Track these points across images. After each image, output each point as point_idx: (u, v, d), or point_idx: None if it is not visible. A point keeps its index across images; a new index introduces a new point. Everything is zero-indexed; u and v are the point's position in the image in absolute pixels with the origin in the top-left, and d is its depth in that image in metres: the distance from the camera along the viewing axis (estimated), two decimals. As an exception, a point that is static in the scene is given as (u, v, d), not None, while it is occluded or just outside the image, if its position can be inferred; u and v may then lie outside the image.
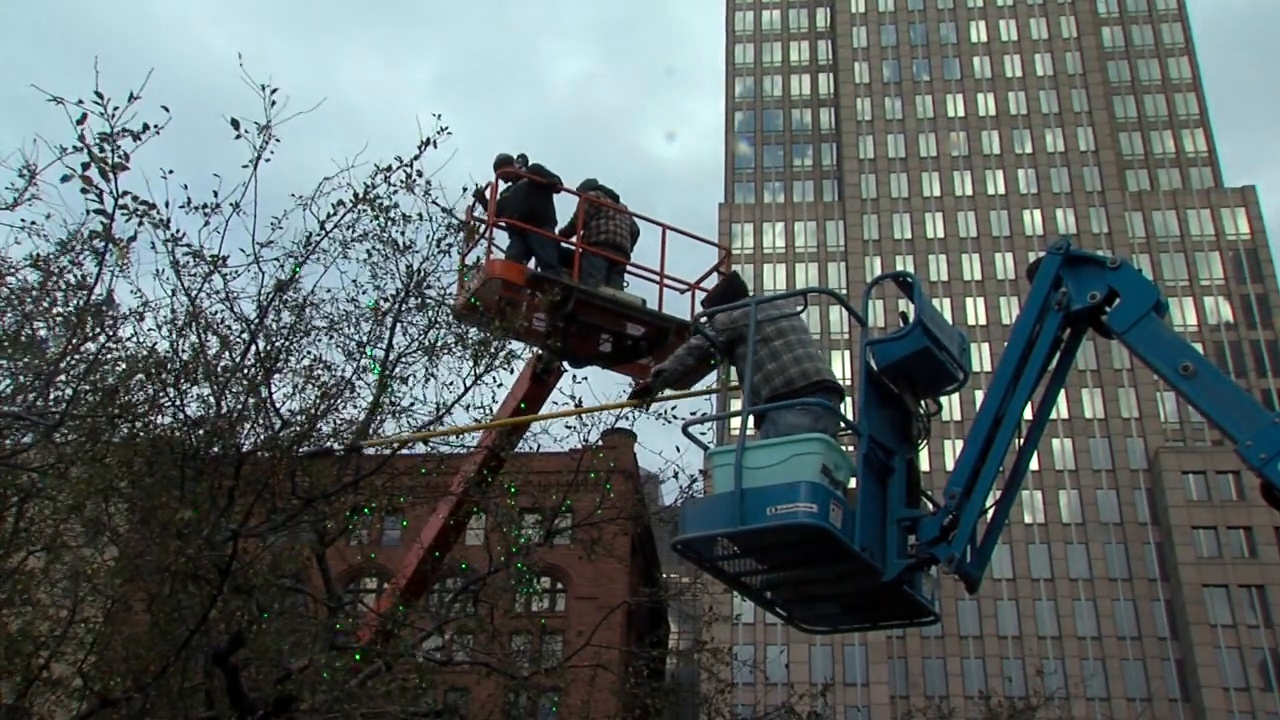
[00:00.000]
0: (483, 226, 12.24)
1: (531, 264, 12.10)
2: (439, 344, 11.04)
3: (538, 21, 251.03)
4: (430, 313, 11.21)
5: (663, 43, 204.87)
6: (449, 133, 10.24)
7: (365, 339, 10.99)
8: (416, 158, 10.30)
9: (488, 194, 12.31)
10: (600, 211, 12.49)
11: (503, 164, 12.63)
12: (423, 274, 11.10)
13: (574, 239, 12.14)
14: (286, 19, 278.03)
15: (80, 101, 6.99)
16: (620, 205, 12.75)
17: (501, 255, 12.11)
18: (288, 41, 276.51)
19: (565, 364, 12.41)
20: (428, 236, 11.12)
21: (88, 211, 7.93)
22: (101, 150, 7.15)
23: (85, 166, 7.18)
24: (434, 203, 11.16)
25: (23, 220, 9.07)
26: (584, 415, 12.26)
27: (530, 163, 12.69)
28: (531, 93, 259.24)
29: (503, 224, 12.14)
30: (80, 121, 7.00)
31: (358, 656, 11.12)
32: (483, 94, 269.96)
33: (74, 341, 9.13)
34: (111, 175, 7.25)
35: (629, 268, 12.53)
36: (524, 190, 12.41)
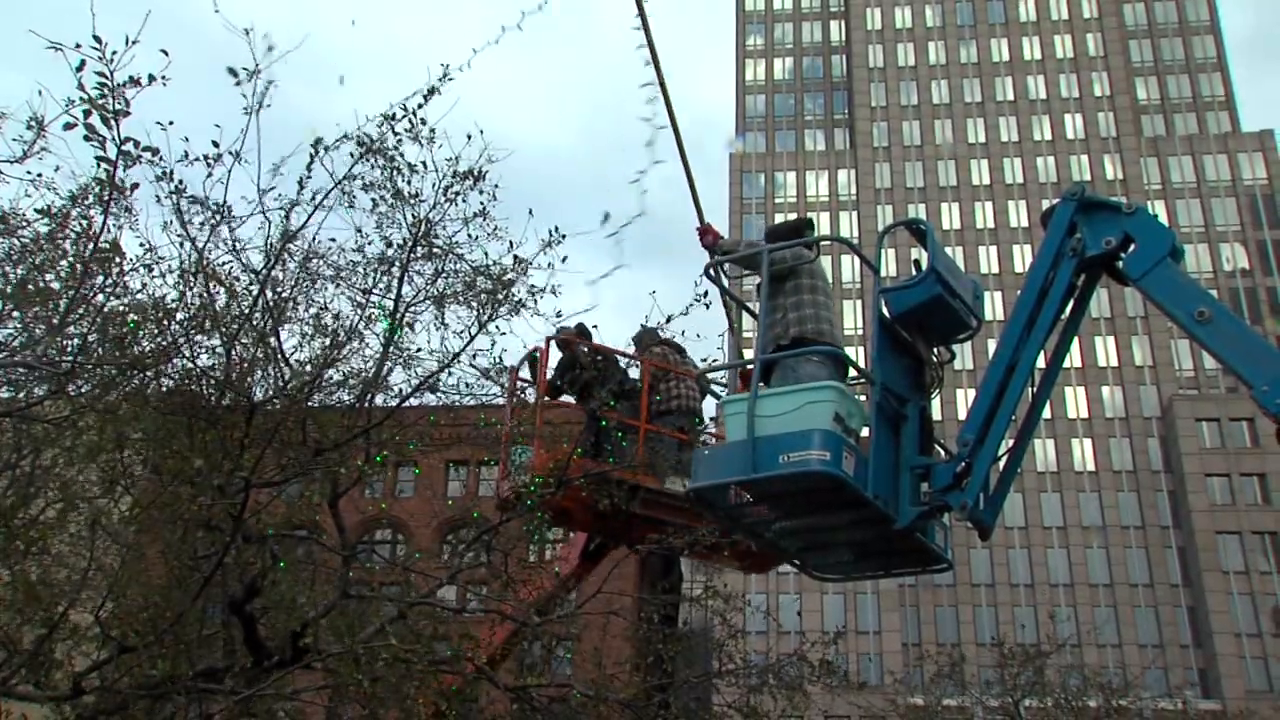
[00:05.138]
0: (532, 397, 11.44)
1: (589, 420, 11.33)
2: (447, 292, 10.98)
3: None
4: (438, 262, 11.13)
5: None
6: (450, 78, 10.12)
7: (371, 287, 10.93)
8: (422, 106, 10.16)
9: (539, 359, 11.34)
10: (667, 374, 11.38)
11: (578, 335, 11.64)
12: (429, 223, 10.99)
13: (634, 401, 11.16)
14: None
15: (78, 46, 6.93)
16: (688, 366, 11.56)
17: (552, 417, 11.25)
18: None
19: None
20: (433, 185, 10.98)
21: (97, 161, 7.88)
22: (102, 97, 7.09)
23: (86, 114, 7.12)
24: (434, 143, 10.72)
25: (29, 172, 9.03)
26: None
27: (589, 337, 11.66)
28: (583, 38, 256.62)
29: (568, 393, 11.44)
30: (79, 68, 6.95)
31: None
32: (534, 41, 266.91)
33: (81, 291, 9.11)
34: (113, 121, 7.20)
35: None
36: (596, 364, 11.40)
